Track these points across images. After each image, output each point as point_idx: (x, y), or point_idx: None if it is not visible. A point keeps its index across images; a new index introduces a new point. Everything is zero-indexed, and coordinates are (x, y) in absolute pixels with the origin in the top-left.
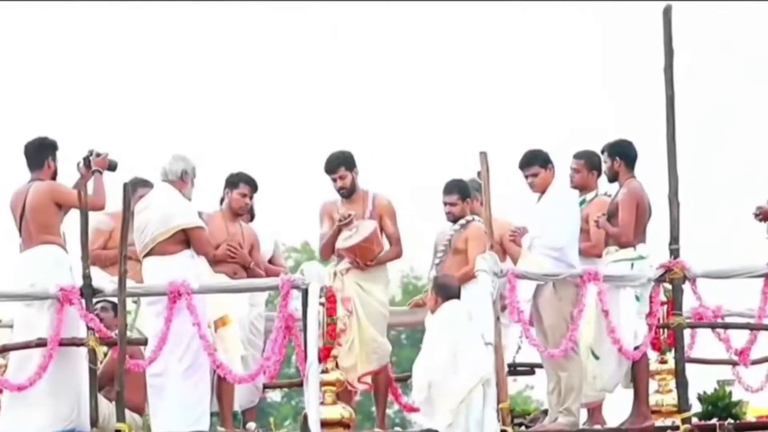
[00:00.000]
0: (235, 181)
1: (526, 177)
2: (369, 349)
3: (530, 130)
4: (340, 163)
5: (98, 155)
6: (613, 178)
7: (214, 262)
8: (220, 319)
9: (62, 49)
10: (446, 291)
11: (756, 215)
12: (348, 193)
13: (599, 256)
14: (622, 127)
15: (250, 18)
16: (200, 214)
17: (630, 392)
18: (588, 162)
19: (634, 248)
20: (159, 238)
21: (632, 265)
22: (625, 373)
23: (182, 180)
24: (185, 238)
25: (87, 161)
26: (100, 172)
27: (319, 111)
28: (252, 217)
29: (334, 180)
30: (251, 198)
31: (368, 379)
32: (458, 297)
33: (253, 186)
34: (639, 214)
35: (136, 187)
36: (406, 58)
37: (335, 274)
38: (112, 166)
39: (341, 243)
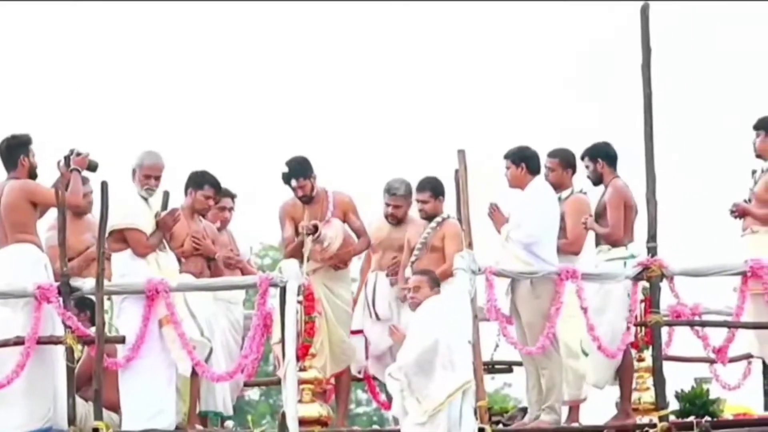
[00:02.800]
0: (200, 181)
1: (507, 168)
2: (338, 350)
3: (511, 129)
4: (297, 175)
5: (78, 154)
6: (597, 180)
7: (181, 258)
8: (165, 317)
9: (44, 48)
10: (437, 281)
11: (732, 212)
12: (308, 199)
13: (576, 253)
14: (600, 126)
15: (231, 17)
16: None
17: (611, 390)
18: (563, 160)
19: (625, 247)
20: (106, 238)
21: (625, 263)
22: (615, 370)
23: (133, 177)
24: (124, 238)
25: (67, 160)
26: (79, 171)
27: (298, 109)
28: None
29: (294, 190)
30: (215, 200)
31: (332, 379)
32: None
33: (217, 189)
34: (626, 213)
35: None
36: (387, 57)
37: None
38: (91, 167)
39: (317, 254)
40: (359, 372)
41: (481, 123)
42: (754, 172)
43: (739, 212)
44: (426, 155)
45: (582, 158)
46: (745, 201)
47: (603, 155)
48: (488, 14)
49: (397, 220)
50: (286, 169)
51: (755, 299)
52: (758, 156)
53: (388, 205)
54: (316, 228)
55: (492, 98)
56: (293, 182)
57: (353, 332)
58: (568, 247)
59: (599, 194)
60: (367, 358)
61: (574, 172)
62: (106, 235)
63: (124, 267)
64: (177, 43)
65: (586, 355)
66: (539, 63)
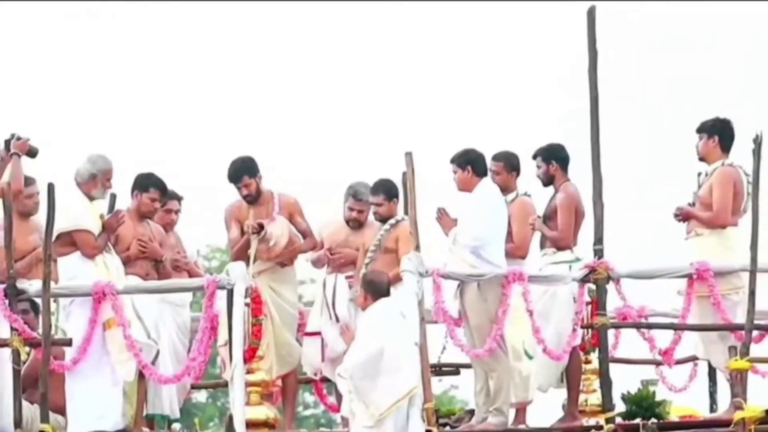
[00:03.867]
0: (145, 184)
1: (454, 172)
2: (284, 352)
3: (461, 132)
4: (243, 173)
5: (18, 138)
6: (548, 182)
7: (128, 261)
8: (107, 322)
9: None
10: (376, 288)
11: (676, 216)
12: (254, 199)
13: (523, 257)
14: (545, 129)
15: (178, 19)
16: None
17: (558, 393)
18: (507, 163)
19: (570, 250)
20: (53, 241)
21: (570, 267)
22: (560, 373)
23: (90, 182)
24: (72, 241)
25: (7, 144)
26: (19, 156)
27: (245, 111)
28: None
29: (239, 188)
30: (161, 203)
31: (278, 381)
32: (388, 294)
33: (163, 191)
34: (576, 218)
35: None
36: (339, 58)
37: None
38: (32, 152)
39: (263, 254)
40: (315, 374)
41: (433, 126)
42: (699, 174)
43: (683, 216)
44: (377, 157)
45: (534, 157)
46: (690, 204)
47: (557, 157)
48: (445, 15)
49: (359, 224)
50: (232, 168)
51: (701, 302)
52: (701, 159)
53: (351, 209)
54: (261, 227)
55: (443, 101)
56: (240, 180)
57: (311, 333)
58: (515, 251)
59: (546, 195)
60: (323, 360)
61: (518, 174)
62: (55, 237)
63: (73, 269)
64: (121, 43)
65: (530, 357)
66: (532, 64)
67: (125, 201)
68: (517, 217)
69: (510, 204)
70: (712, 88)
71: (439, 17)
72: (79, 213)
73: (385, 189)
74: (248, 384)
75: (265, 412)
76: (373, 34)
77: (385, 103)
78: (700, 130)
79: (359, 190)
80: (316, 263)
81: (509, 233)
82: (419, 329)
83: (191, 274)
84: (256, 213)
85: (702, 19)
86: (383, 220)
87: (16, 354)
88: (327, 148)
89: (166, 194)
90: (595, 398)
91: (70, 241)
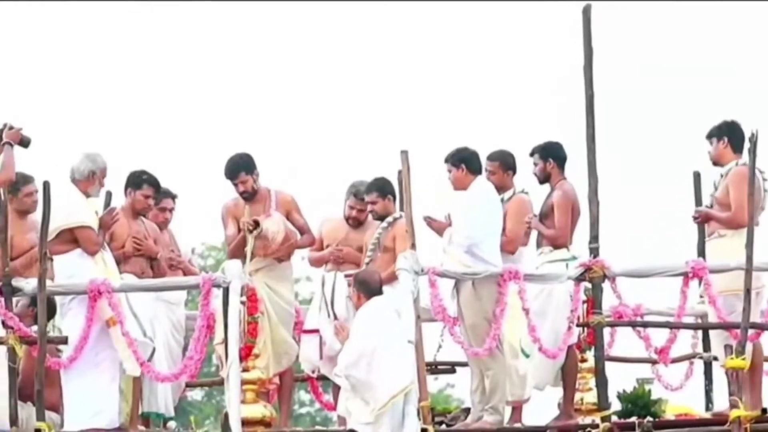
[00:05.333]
0: (138, 181)
1: (449, 171)
2: (281, 350)
3: (458, 130)
4: (240, 169)
5: (11, 128)
6: (544, 179)
7: (123, 259)
8: (111, 319)
9: None
10: (368, 287)
11: (695, 218)
12: (250, 196)
13: (512, 252)
14: (541, 127)
15: (171, 16)
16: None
17: (554, 391)
18: (503, 163)
19: (567, 249)
20: (50, 239)
21: (567, 265)
22: (557, 372)
23: (89, 180)
24: (73, 238)
25: None
26: (11, 145)
27: (242, 109)
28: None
29: (236, 185)
30: (155, 200)
31: (275, 379)
32: (381, 293)
33: (156, 188)
34: (572, 216)
35: (18, 186)
36: (336, 57)
37: None
38: (24, 142)
39: (260, 250)
40: (312, 371)
41: (429, 125)
42: (720, 176)
43: (702, 218)
44: (374, 156)
45: (531, 154)
46: (707, 206)
47: (554, 156)
48: (440, 13)
49: (358, 222)
50: (230, 165)
51: (725, 299)
52: (715, 163)
53: (352, 207)
54: (256, 224)
55: (439, 99)
56: (237, 177)
57: (309, 331)
58: (505, 246)
59: (543, 193)
60: (321, 357)
61: (514, 173)
62: (54, 235)
63: (72, 267)
64: (117, 40)
65: (527, 356)
66: (529, 62)
67: (119, 199)
68: (513, 214)
69: (507, 202)
70: (710, 87)
71: (436, 16)
72: (78, 209)
73: (378, 187)
74: (244, 382)
75: (260, 410)
76: (368, 33)
77: (381, 102)
78: (709, 136)
79: (361, 189)
80: (317, 262)
81: (504, 229)
82: (415, 327)
83: (186, 273)
84: (252, 210)
85: (700, 17)
86: (380, 218)
87: (12, 352)
88: (323, 147)
89: (159, 191)
90: (590, 397)
91: (71, 238)
